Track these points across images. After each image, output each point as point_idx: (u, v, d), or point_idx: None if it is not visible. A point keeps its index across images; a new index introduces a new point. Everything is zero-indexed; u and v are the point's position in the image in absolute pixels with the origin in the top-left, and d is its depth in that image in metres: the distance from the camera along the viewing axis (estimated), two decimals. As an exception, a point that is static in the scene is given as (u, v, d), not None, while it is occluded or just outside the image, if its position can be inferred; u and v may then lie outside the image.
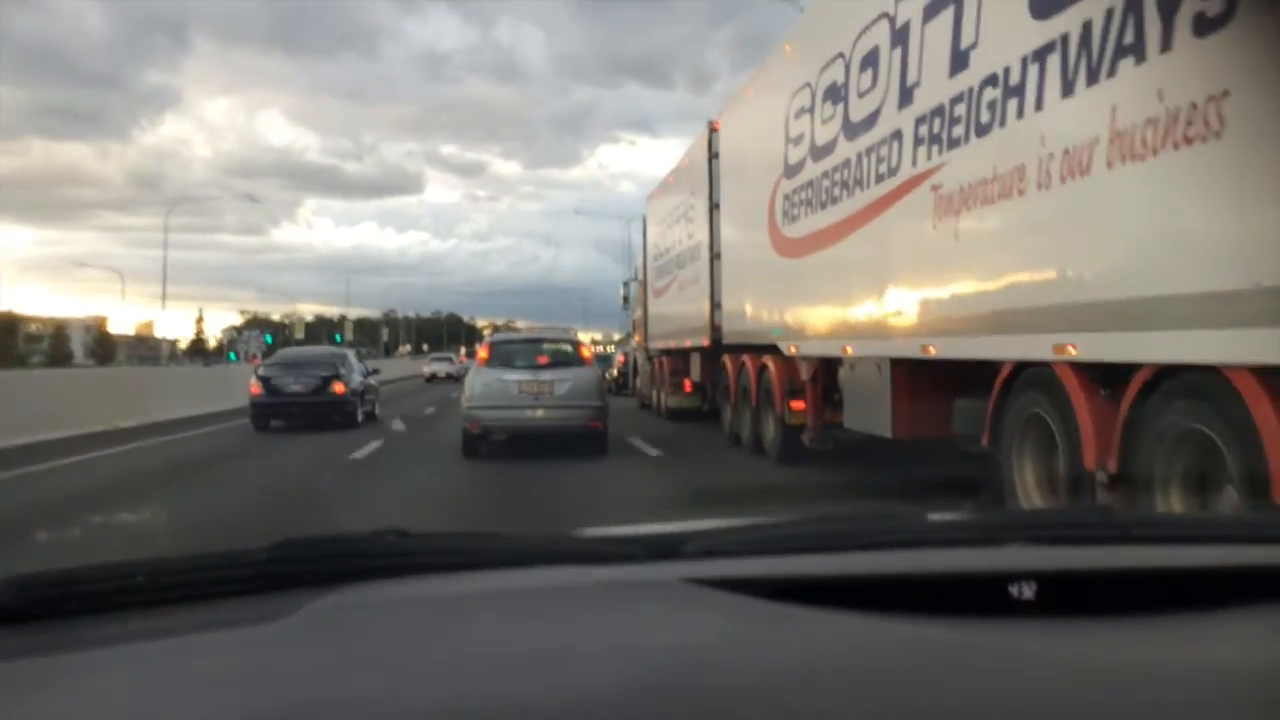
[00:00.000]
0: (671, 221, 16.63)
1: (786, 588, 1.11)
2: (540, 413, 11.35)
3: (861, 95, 7.81)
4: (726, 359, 12.79)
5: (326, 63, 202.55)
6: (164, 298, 50.22)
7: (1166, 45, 4.18)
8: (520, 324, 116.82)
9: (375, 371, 19.23)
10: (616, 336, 55.97)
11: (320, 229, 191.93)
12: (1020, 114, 5.40)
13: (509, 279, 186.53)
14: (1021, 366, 5.65)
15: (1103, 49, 4.61)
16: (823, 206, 8.75)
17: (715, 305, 13.11)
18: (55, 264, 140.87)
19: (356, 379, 17.01)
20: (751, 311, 11.36)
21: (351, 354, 18.85)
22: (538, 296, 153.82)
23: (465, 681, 0.93)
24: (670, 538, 1.30)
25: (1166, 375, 4.42)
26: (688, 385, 16.46)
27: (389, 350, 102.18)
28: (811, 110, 9.08)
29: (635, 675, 0.92)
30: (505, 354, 12.04)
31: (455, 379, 39.03)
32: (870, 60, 7.60)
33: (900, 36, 7.02)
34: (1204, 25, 3.96)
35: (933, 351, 6.59)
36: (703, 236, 13.69)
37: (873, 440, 8.21)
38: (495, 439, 11.56)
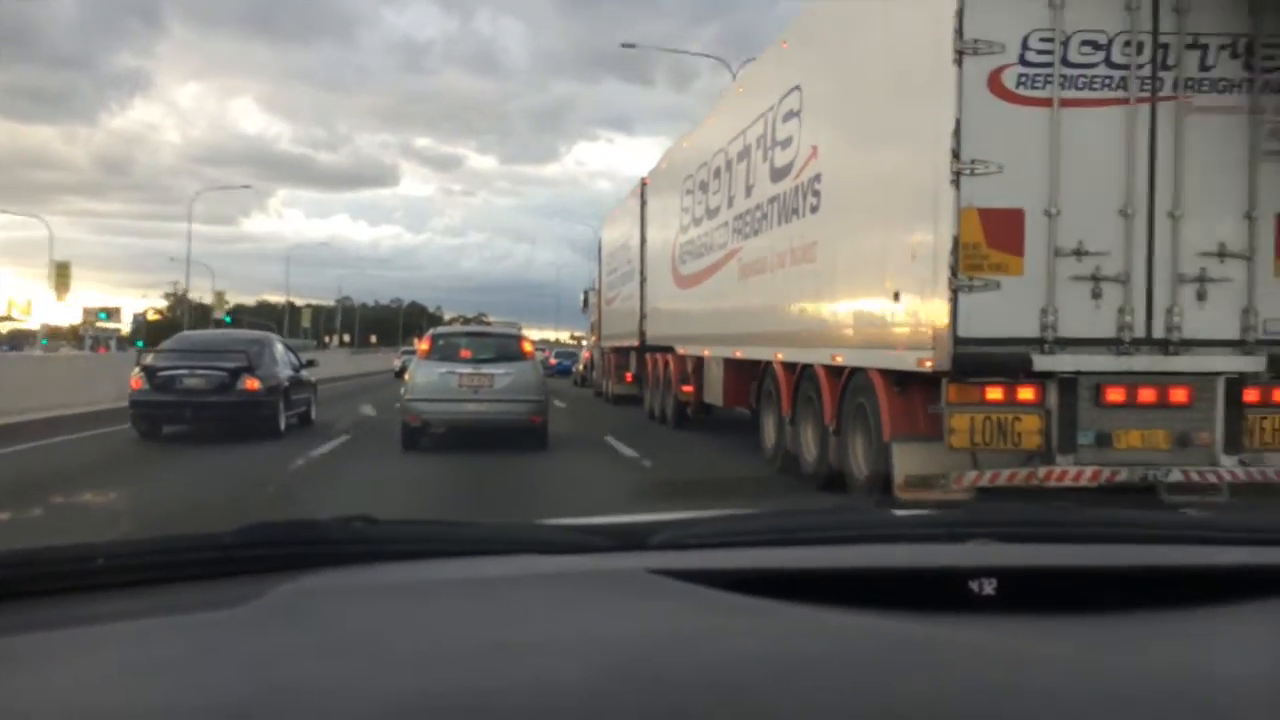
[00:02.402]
0: (617, 247, 21.25)
1: (750, 580, 1.12)
2: (479, 406, 11.46)
3: (713, 194, 12.45)
4: (648, 356, 17.40)
5: (302, 50, 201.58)
6: (52, 276, 42.69)
7: (798, 216, 8.86)
8: (492, 318, 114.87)
9: (310, 364, 15.24)
10: (583, 336, 60.42)
11: (291, 219, 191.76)
12: (768, 228, 10.03)
13: (482, 275, 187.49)
14: (760, 365, 10.32)
15: (784, 207, 9.29)
16: (696, 258, 13.38)
17: (643, 316, 17.70)
18: (17, 248, 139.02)
19: (282, 372, 13.43)
20: (662, 323, 15.97)
21: (277, 340, 14.85)
22: (510, 293, 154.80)
23: (430, 669, 0.94)
24: (635, 528, 1.33)
25: (838, 374, 8.91)
26: (628, 377, 20.96)
27: (320, 340, 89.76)
28: (692, 193, 13.71)
29: (599, 664, 0.93)
30: (446, 347, 12.10)
31: None
32: (716, 174, 12.24)
33: (727, 167, 11.67)
34: (808, 210, 8.64)
35: (739, 355, 11.22)
36: (636, 264, 18.30)
37: (724, 415, 12.86)
38: (435, 432, 11.88)
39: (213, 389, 12.49)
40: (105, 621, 1.06)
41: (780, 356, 9.61)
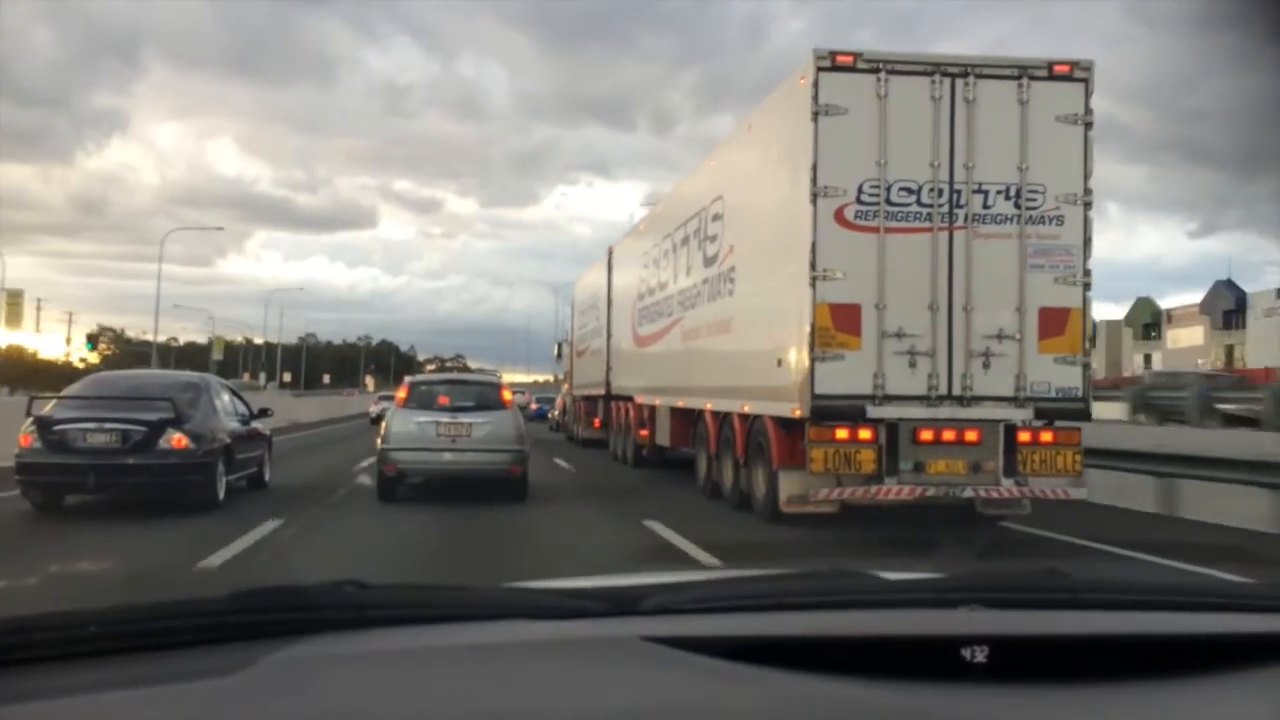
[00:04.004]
0: (588, 305, 23.88)
1: (743, 647, 1.14)
2: (458, 456, 11.27)
3: (664, 270, 15.08)
4: (613, 404, 19.94)
5: (282, 91, 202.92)
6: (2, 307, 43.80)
7: (720, 297, 11.50)
8: (470, 362, 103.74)
9: (264, 413, 12.80)
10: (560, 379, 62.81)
11: (269, 262, 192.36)
12: (701, 304, 12.63)
13: (460, 318, 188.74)
14: (696, 413, 12.89)
15: (712, 289, 11.92)
16: (651, 321, 15.98)
17: (609, 369, 20.26)
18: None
19: (223, 425, 10.89)
20: (624, 375, 18.53)
21: (219, 384, 12.28)
22: (488, 337, 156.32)
23: None
24: (627, 592, 1.34)
25: (746, 419, 11.49)
26: (597, 422, 23.41)
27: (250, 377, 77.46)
28: (648, 267, 16.35)
29: None
30: (424, 395, 11.98)
31: None
32: (665, 254, 14.89)
33: (674, 249, 14.31)
34: (727, 293, 11.26)
35: (680, 404, 13.77)
36: (603, 322, 20.90)
37: (671, 455, 15.39)
38: (411, 482, 11.66)
39: (128, 448, 9.72)
40: (99, 690, 1.07)
41: (709, 406, 12.17)
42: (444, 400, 11.81)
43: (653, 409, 16.20)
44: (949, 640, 1.17)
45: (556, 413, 36.43)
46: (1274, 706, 1.13)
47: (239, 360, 78.24)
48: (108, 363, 73.86)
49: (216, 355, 66.56)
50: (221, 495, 10.49)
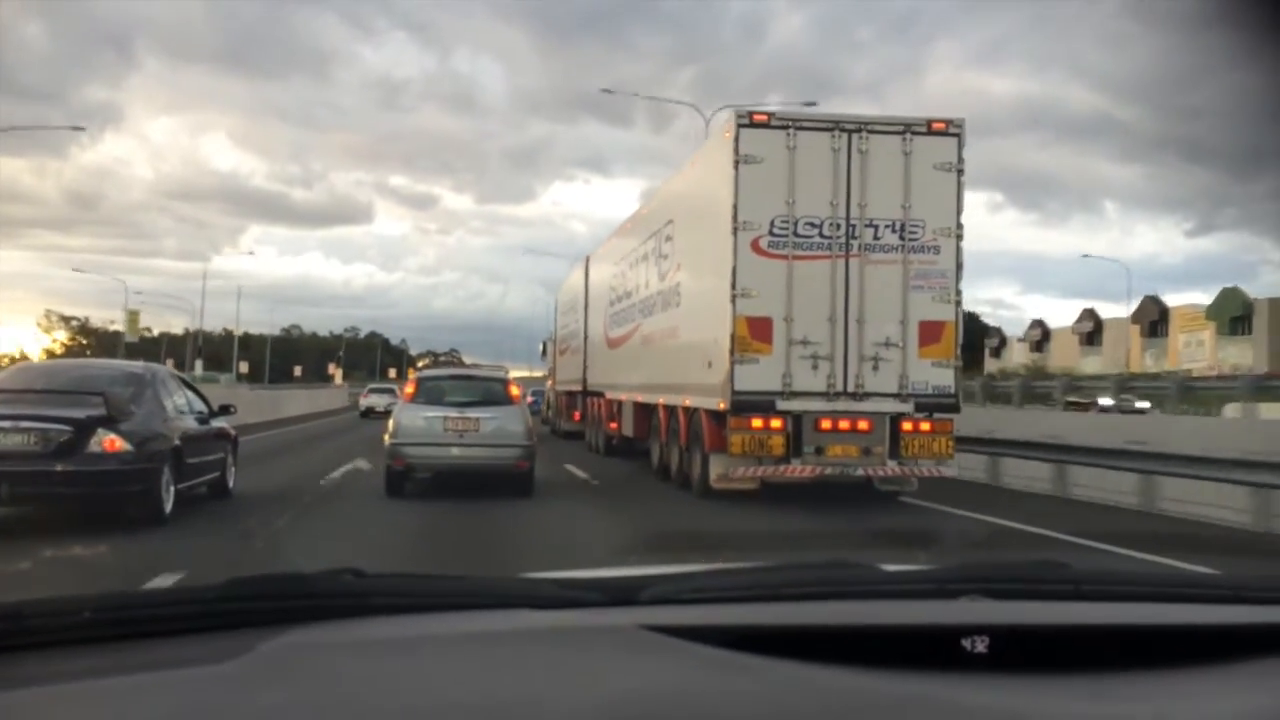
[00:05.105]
0: (568, 307, 25.86)
1: (743, 636, 1.14)
2: (465, 451, 11.42)
3: (629, 280, 17.05)
4: (589, 399, 21.92)
5: (277, 86, 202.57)
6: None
7: (669, 308, 13.50)
8: (466, 358, 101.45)
9: (225, 410, 11.29)
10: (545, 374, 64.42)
11: (264, 257, 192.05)
12: (656, 312, 14.60)
13: (454, 314, 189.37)
14: (652, 406, 14.88)
15: (664, 300, 13.91)
16: (619, 326, 17.95)
17: (585, 366, 22.24)
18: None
19: (171, 424, 9.49)
20: (597, 373, 20.51)
21: (169, 376, 10.74)
22: (482, 333, 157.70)
23: None
24: (627, 583, 1.34)
25: (688, 412, 13.47)
26: (576, 416, 25.41)
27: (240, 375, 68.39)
28: (617, 277, 18.32)
29: None
30: (432, 390, 12.17)
31: None
32: (631, 266, 16.87)
33: (637, 263, 16.29)
34: (674, 305, 13.26)
35: (639, 399, 15.75)
36: (580, 325, 22.88)
37: (637, 445, 17.36)
38: (420, 476, 11.76)
39: (50, 452, 8.30)
40: (94, 677, 1.07)
41: (662, 400, 14.15)
42: (452, 396, 11.99)
43: (620, 403, 18.17)
44: (949, 630, 1.18)
45: (543, 406, 38.52)
46: (1274, 697, 1.12)
47: (184, 348, 65.79)
48: (70, 355, 68.16)
49: (130, 338, 56.13)
50: (168, 508, 8.87)
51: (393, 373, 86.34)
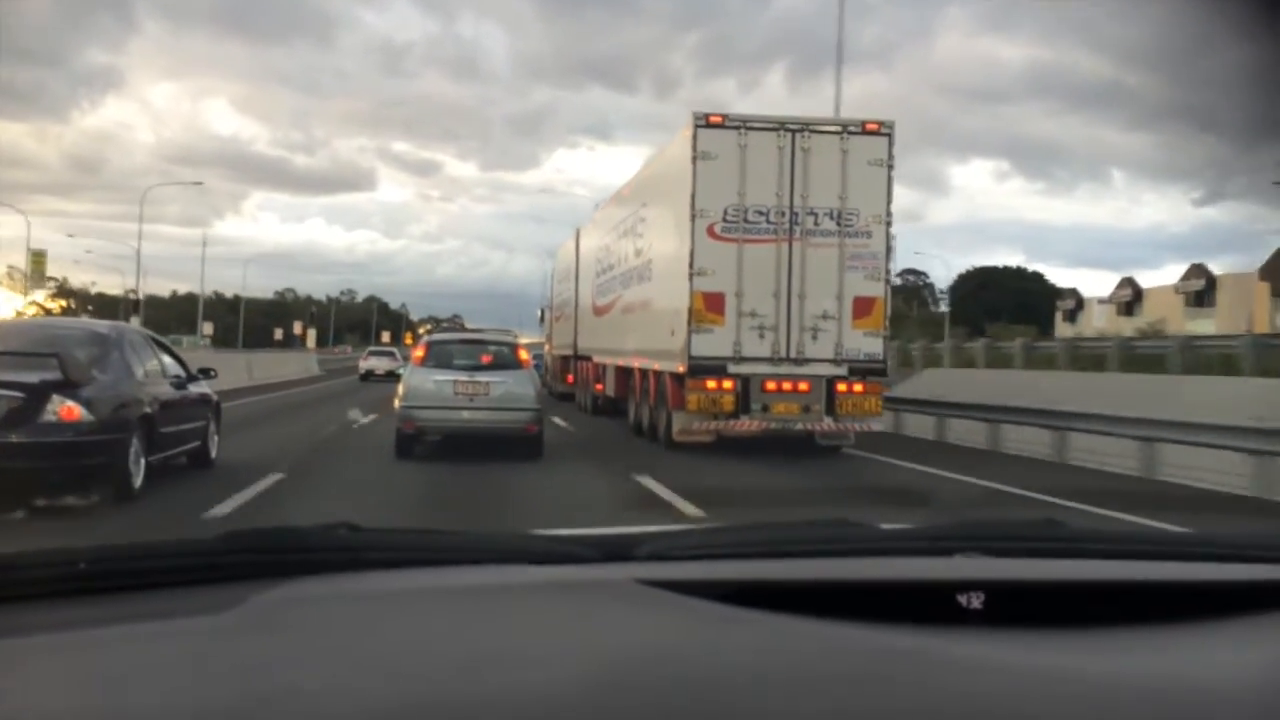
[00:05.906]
0: (563, 276, 27.52)
1: (738, 591, 1.14)
2: (475, 414, 11.54)
3: (613, 254, 18.68)
4: (579, 363, 23.63)
5: (279, 51, 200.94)
6: None
7: (643, 281, 15.17)
8: (469, 324, 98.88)
9: (205, 374, 10.60)
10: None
11: (266, 223, 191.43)
12: (633, 285, 16.24)
13: (457, 280, 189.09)
14: (630, 370, 16.58)
15: (639, 274, 15.57)
16: (604, 295, 19.60)
17: (576, 332, 23.93)
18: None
19: (142, 389, 8.68)
20: (586, 339, 22.19)
21: (139, 335, 9.87)
22: (485, 300, 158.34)
23: (414, 679, 0.94)
24: (623, 539, 1.35)
25: (657, 374, 15.13)
26: (570, 378, 27.12)
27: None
28: (603, 249, 19.95)
29: (587, 675, 0.93)
30: (442, 354, 12.24)
31: (397, 378, 24.51)
32: (615, 239, 18.50)
33: (619, 238, 17.91)
34: (647, 279, 14.91)
35: (620, 363, 17.44)
36: (573, 294, 24.54)
37: (620, 405, 19.08)
38: (429, 439, 11.89)
39: None
40: (88, 627, 1.07)
41: (637, 364, 15.84)
42: (461, 360, 12.04)
43: (604, 366, 19.87)
44: (945, 585, 1.18)
45: (544, 370, 40.30)
46: (1267, 651, 1.13)
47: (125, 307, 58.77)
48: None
49: (34, 288, 48.84)
50: (138, 482, 8.15)
51: (386, 336, 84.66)
